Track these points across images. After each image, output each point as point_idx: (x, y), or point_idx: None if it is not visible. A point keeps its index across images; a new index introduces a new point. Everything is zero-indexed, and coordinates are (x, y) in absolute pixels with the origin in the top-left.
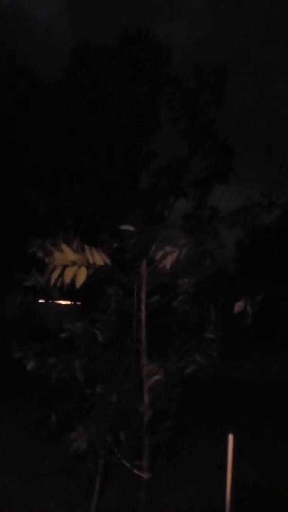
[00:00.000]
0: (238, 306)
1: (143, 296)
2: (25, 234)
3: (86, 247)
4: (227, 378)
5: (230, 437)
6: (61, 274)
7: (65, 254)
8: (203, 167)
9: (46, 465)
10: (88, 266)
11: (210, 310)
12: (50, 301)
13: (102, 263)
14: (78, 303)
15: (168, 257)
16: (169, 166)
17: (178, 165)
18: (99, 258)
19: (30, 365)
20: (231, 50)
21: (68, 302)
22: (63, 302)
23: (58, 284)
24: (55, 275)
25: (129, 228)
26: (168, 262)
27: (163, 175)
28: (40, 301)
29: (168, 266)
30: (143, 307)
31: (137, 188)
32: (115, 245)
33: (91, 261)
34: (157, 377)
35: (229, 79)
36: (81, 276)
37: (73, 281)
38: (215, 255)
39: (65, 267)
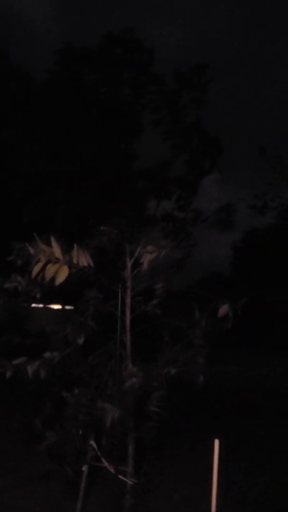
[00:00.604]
0: (223, 310)
1: (128, 300)
2: (7, 237)
3: (75, 246)
4: (217, 382)
5: (216, 443)
6: (43, 269)
7: (53, 249)
8: (188, 168)
9: (32, 470)
10: (71, 265)
11: (195, 314)
12: (31, 304)
13: (85, 264)
14: (64, 307)
15: (147, 257)
16: (153, 168)
17: (162, 167)
18: (83, 259)
19: (9, 374)
20: (223, 50)
21: (59, 307)
22: (55, 307)
23: (39, 279)
24: (37, 269)
25: (109, 228)
26: (146, 261)
27: (146, 177)
28: (24, 304)
29: (146, 266)
30: (127, 311)
31: (122, 190)
32: (95, 242)
33: (75, 261)
34: (134, 379)
35: (224, 80)
36: (62, 275)
37: (53, 278)
38: (186, 258)
39: (47, 263)
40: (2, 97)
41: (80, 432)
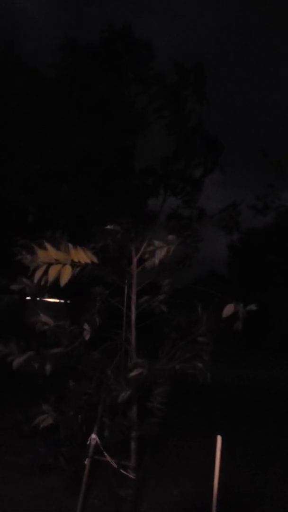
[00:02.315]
0: (228, 309)
1: (133, 295)
2: (11, 236)
3: (70, 245)
4: (217, 381)
5: (219, 439)
6: (46, 272)
7: (49, 252)
8: (193, 165)
9: (32, 463)
10: (73, 264)
11: (198, 311)
12: (38, 299)
13: (88, 261)
14: (67, 301)
15: (157, 252)
16: (157, 164)
17: (166, 163)
18: (84, 256)
19: (16, 362)
20: (226, 45)
21: (57, 300)
22: (51, 300)
23: (42, 283)
24: (38, 274)
25: (115, 227)
26: (157, 257)
27: (151, 173)
28: (28, 298)
29: (157, 262)
30: (133, 307)
31: (126, 187)
32: (100, 244)
33: (76, 259)
34: (140, 370)
35: (224, 80)
36: (66, 275)
37: (57, 279)
38: (194, 255)
39: (49, 265)
40: (5, 92)
41: (79, 418)
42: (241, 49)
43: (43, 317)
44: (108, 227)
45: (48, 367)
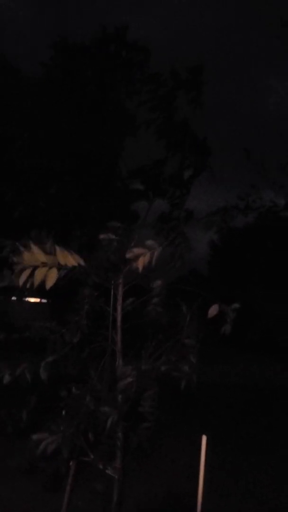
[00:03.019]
0: (213, 309)
1: (120, 296)
2: None
3: (57, 248)
4: (200, 380)
5: (204, 439)
6: (31, 274)
7: (35, 254)
8: (181, 167)
9: (14, 464)
10: (60, 267)
11: (183, 312)
12: (22, 299)
13: (75, 264)
14: (46, 300)
15: (140, 260)
16: (146, 166)
17: (155, 165)
18: (71, 260)
19: (6, 379)
20: (218, 44)
21: (37, 300)
22: (32, 300)
23: (28, 285)
24: (24, 276)
25: (109, 236)
26: (140, 264)
27: (139, 175)
28: (13, 298)
29: (140, 269)
30: (119, 308)
31: (114, 188)
32: (100, 255)
33: (62, 262)
34: (129, 379)
35: (207, 78)
36: (52, 278)
37: (43, 282)
38: (185, 257)
39: (35, 268)
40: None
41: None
42: (234, 48)
43: (37, 325)
44: (102, 236)
45: (44, 375)
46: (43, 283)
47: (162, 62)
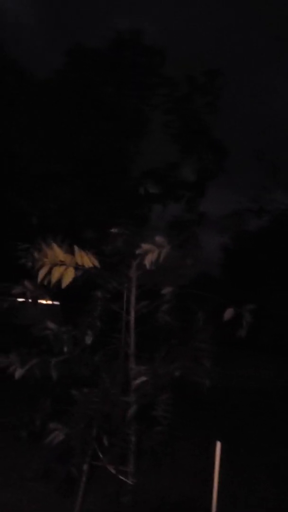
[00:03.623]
0: (228, 313)
1: (133, 299)
2: (13, 241)
3: (75, 248)
4: (214, 385)
5: (218, 445)
6: (49, 272)
7: (55, 253)
8: (195, 170)
9: (28, 468)
10: (77, 267)
11: (198, 316)
12: (37, 302)
13: (91, 265)
14: (57, 302)
15: (148, 256)
16: (159, 169)
17: (169, 169)
18: (88, 260)
19: (18, 373)
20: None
21: (54, 303)
22: (49, 302)
23: (45, 283)
24: (43, 272)
25: (119, 230)
26: (148, 260)
27: (152, 178)
28: (20, 300)
29: (147, 265)
30: (132, 311)
31: (127, 192)
32: (109, 247)
33: (80, 262)
34: (144, 378)
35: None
36: (68, 276)
37: (59, 280)
38: (197, 261)
39: (53, 266)
40: (6, 97)
41: (93, 432)
42: (244, 49)
43: (49, 323)
44: (114, 230)
45: (54, 374)
46: (58, 284)
47: (175, 64)
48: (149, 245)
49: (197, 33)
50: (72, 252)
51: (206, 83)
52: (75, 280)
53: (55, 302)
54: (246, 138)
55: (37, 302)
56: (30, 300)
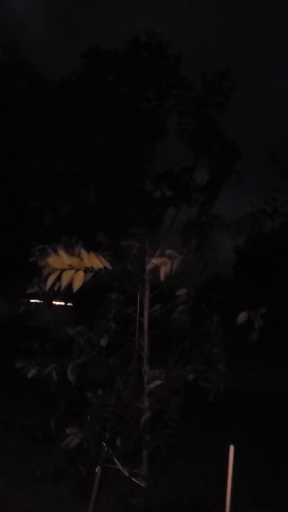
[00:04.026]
0: (242, 317)
1: (146, 302)
2: (27, 239)
3: (82, 251)
4: (226, 388)
5: (231, 449)
6: (59, 277)
7: (61, 258)
8: (208, 172)
9: (41, 470)
10: (86, 270)
11: (213, 320)
12: (50, 304)
13: (101, 266)
14: (70, 304)
15: (161, 269)
16: (173, 172)
17: (183, 172)
18: (97, 262)
19: (32, 373)
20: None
21: (62, 303)
22: (56, 303)
23: (55, 288)
24: (51, 279)
25: (131, 243)
26: (162, 274)
27: (166, 181)
28: (33, 301)
29: (162, 278)
30: (146, 314)
31: (141, 194)
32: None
33: (88, 265)
34: (158, 382)
35: (235, 84)
36: (79, 280)
37: (70, 284)
38: (211, 264)
39: (62, 270)
40: (26, 99)
41: (107, 435)
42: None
43: (67, 329)
44: (123, 243)
45: (72, 378)
46: (69, 286)
47: (189, 66)
48: (160, 259)
49: (211, 34)
50: (81, 255)
51: (215, 84)
52: (86, 282)
53: (68, 304)
54: (260, 139)
55: (51, 303)
56: (43, 302)
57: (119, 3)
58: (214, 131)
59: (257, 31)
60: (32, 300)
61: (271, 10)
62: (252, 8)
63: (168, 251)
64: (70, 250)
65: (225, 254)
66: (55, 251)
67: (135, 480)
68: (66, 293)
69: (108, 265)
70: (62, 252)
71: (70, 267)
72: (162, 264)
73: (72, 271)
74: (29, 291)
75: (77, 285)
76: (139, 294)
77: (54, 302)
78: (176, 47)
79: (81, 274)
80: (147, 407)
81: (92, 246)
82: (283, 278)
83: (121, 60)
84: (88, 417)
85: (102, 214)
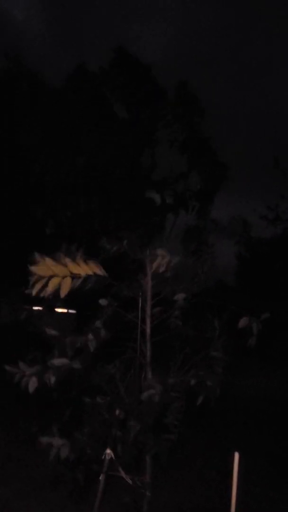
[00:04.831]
0: (243, 322)
1: (148, 308)
2: (30, 247)
3: (62, 255)
4: (224, 392)
5: (236, 456)
6: (47, 284)
7: (46, 265)
8: (202, 179)
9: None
10: (73, 276)
11: (214, 325)
12: (52, 310)
13: (90, 272)
14: (72, 311)
15: (158, 260)
16: (168, 179)
17: (178, 179)
18: (86, 268)
19: (32, 385)
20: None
21: (65, 310)
22: (59, 310)
23: (42, 294)
24: (38, 286)
25: (124, 234)
26: (157, 264)
27: (163, 188)
28: (35, 308)
29: (159, 270)
30: (148, 320)
31: (140, 202)
32: (114, 248)
33: (74, 271)
34: (152, 391)
35: (235, 92)
36: (65, 287)
37: (57, 291)
38: (210, 269)
39: (50, 277)
40: (26, 107)
41: (110, 441)
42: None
43: (48, 330)
44: (122, 233)
45: (52, 379)
46: (70, 292)
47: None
48: (161, 251)
49: (211, 34)
50: (86, 263)
51: (178, 95)
52: (78, 289)
53: (71, 311)
54: (263, 145)
55: (53, 310)
56: (43, 308)
57: (119, 3)
58: (202, 141)
59: (256, 31)
60: (34, 308)
61: (271, 10)
62: (252, 8)
63: (160, 251)
64: (71, 257)
65: (227, 260)
66: (55, 259)
67: (138, 487)
68: (67, 300)
69: (99, 271)
70: (48, 260)
71: (56, 274)
72: (161, 255)
73: (59, 279)
74: (28, 291)
75: (64, 291)
76: (140, 300)
77: (57, 310)
78: (174, 50)
79: (67, 280)
80: (136, 419)
81: (94, 253)
82: (285, 283)
83: (109, 73)
84: (85, 427)
85: (101, 221)
